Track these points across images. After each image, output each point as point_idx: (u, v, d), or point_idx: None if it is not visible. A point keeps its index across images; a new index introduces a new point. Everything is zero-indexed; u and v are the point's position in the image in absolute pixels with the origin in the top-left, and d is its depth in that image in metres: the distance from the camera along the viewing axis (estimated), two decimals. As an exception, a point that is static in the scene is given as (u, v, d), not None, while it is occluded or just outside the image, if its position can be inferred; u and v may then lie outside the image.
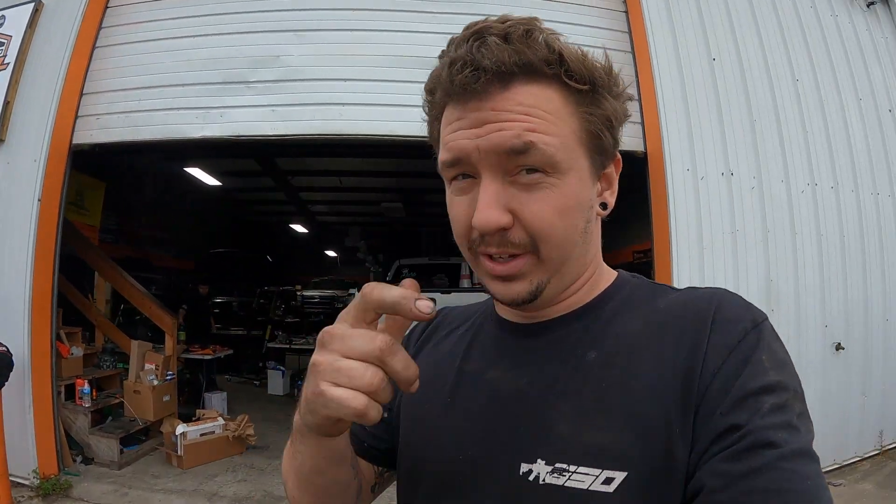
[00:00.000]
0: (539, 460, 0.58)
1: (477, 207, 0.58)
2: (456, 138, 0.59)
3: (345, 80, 4.15)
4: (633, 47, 4.45)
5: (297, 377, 7.77)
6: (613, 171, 0.66)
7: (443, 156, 0.61)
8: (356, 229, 13.40)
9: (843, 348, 4.89)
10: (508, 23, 0.56)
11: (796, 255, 4.80)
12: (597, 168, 0.62)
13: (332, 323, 0.51)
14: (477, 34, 0.56)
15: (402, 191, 9.82)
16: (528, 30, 0.56)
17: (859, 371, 5.06)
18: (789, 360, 0.57)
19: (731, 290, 0.62)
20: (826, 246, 4.97)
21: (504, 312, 0.72)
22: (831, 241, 5.01)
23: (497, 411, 0.64)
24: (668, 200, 4.20)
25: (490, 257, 0.61)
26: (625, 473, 0.54)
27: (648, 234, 4.38)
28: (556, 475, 0.57)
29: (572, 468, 0.56)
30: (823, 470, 0.54)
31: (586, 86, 0.58)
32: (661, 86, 4.33)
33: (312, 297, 11.31)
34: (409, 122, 4.02)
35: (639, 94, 4.34)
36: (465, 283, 7.42)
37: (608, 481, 0.54)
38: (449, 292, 6.65)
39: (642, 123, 4.32)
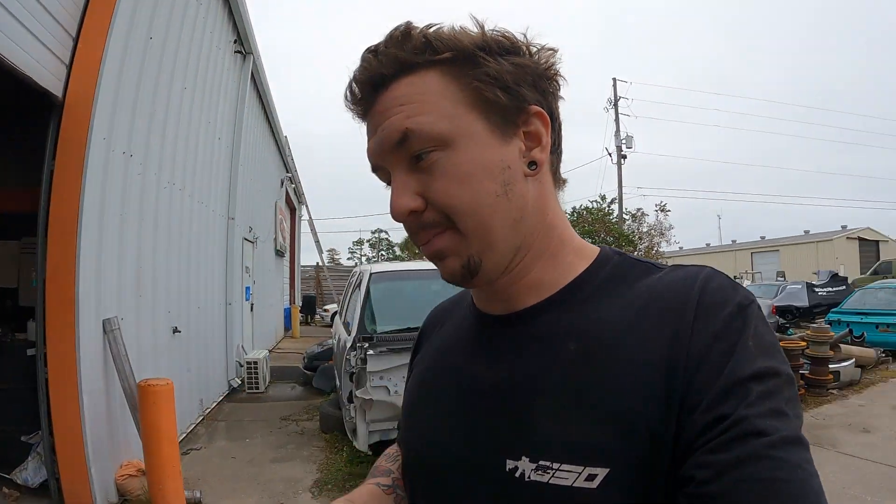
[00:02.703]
0: (524, 457, 0.58)
1: (390, 199, 0.62)
2: (367, 150, 0.64)
3: None
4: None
5: None
6: (541, 128, 0.63)
7: (370, 167, 0.66)
8: None
9: (180, 331, 5.58)
10: (388, 33, 0.62)
11: (169, 246, 5.18)
12: (501, 127, 0.61)
13: None
14: (361, 56, 0.63)
15: None
16: (402, 32, 0.60)
17: (187, 349, 5.89)
18: (777, 344, 0.56)
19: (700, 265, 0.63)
20: (169, 239, 5.53)
21: (481, 304, 0.72)
22: (173, 234, 5.63)
23: (480, 407, 0.64)
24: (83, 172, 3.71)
25: (424, 243, 0.64)
26: (607, 469, 0.53)
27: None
28: (540, 472, 0.56)
29: (555, 465, 0.55)
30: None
31: (449, 53, 0.59)
32: (109, 52, 3.87)
33: None
34: None
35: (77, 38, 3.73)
36: None
37: (591, 478, 0.53)
38: None
39: (69, 66, 3.72)
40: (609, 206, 18.58)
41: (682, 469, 0.51)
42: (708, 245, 56.00)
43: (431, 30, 0.60)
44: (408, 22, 0.61)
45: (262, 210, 10.74)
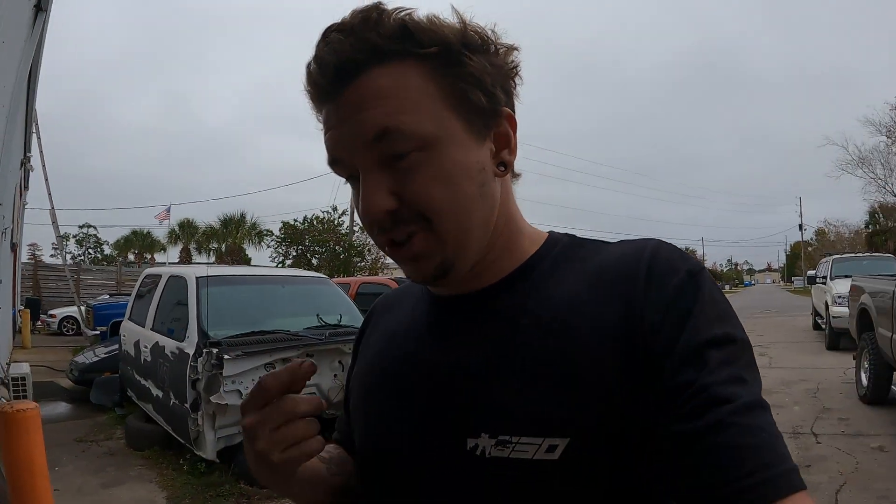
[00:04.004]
0: (483, 434, 0.57)
1: (360, 199, 0.58)
2: (328, 140, 0.60)
3: None
4: None
5: None
6: (509, 130, 0.62)
7: (327, 160, 0.61)
8: None
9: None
10: (353, 13, 0.57)
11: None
12: (477, 129, 0.59)
13: None
14: (323, 34, 0.57)
15: None
16: (377, 14, 0.56)
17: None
18: (731, 310, 0.56)
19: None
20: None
21: (434, 288, 0.71)
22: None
23: (438, 390, 0.63)
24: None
25: (393, 243, 0.61)
26: (567, 440, 0.53)
27: None
28: (500, 447, 0.55)
29: (515, 439, 0.55)
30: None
31: (434, 48, 0.56)
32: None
33: None
34: None
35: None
36: None
37: (552, 449, 0.53)
38: None
39: None
40: (340, 218, 19.48)
41: (651, 439, 0.51)
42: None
43: (402, 14, 0.57)
44: (378, 3, 0.57)
45: (6, 195, 8.76)
